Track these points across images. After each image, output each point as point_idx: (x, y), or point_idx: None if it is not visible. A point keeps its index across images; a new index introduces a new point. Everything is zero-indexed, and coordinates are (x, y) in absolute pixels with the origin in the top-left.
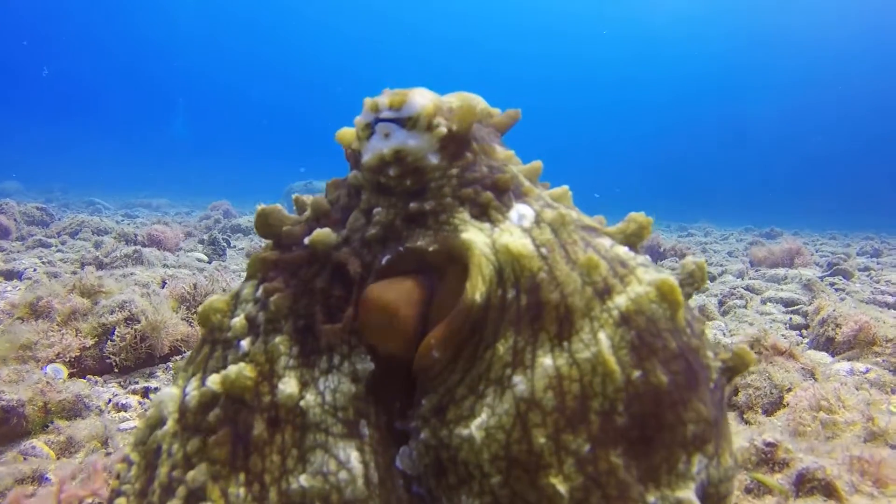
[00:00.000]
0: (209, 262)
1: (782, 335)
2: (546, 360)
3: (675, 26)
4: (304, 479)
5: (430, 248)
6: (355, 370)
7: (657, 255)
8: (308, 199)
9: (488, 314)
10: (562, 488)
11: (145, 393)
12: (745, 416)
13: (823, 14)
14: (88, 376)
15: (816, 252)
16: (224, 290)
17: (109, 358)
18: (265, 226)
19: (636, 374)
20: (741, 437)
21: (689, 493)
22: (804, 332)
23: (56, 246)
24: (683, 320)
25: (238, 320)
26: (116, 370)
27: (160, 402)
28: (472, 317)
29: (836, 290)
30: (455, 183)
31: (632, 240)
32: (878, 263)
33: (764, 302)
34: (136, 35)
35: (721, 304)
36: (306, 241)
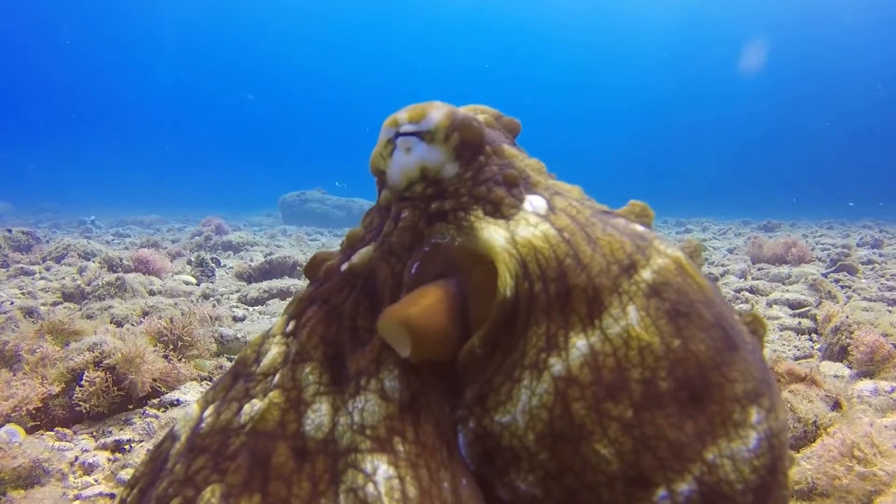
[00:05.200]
0: (198, 285)
1: (795, 346)
2: (579, 341)
3: (672, 18)
4: (342, 499)
5: (455, 243)
6: (383, 388)
7: None
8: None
9: (519, 306)
10: (605, 451)
11: (117, 447)
12: None
13: (818, 8)
14: (56, 428)
15: (817, 245)
16: (208, 318)
17: (79, 405)
18: (313, 268)
19: (676, 342)
20: None
21: (747, 442)
22: (814, 336)
23: (39, 273)
24: (711, 291)
25: (269, 357)
26: (87, 418)
27: (179, 418)
28: (505, 312)
29: (842, 287)
30: (470, 184)
31: (642, 220)
32: (880, 255)
33: (770, 304)
34: (121, 46)
35: None
36: (343, 267)
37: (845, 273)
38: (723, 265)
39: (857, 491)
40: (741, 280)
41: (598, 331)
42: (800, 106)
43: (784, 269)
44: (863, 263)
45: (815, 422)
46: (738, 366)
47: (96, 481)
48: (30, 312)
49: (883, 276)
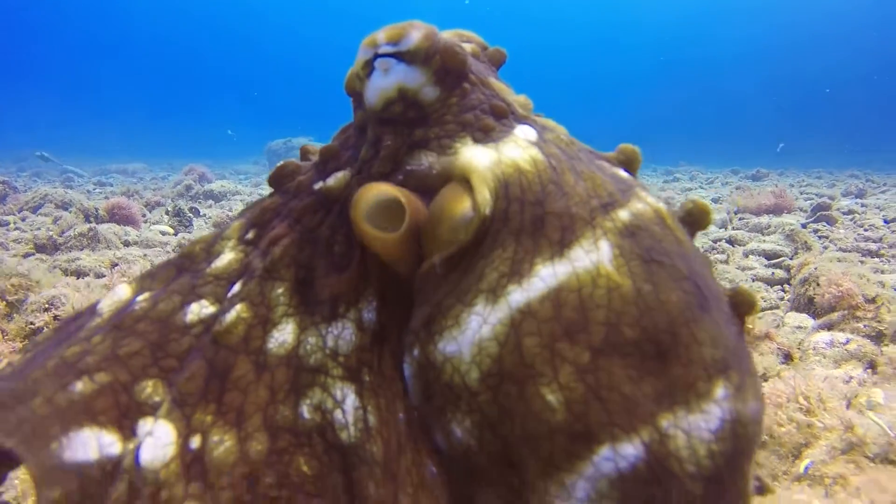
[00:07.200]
0: (175, 235)
1: (763, 297)
2: (544, 269)
3: None
4: (305, 411)
5: (433, 171)
6: (361, 319)
7: None
8: (315, 147)
9: (490, 227)
10: (552, 398)
11: None
12: None
13: None
14: None
15: (801, 195)
16: None
17: None
18: (279, 177)
19: (647, 287)
20: None
21: (707, 419)
22: (786, 287)
23: (14, 223)
24: (689, 246)
25: (224, 260)
26: None
27: (106, 296)
28: (480, 232)
29: (820, 237)
30: (456, 110)
31: (628, 165)
32: (862, 206)
33: (746, 255)
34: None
35: None
36: (316, 186)
37: (824, 223)
38: None
39: (789, 444)
40: (721, 230)
41: (565, 260)
42: (793, 52)
43: (765, 219)
44: (844, 213)
45: (763, 374)
46: (708, 328)
47: None
48: None
49: (861, 227)
